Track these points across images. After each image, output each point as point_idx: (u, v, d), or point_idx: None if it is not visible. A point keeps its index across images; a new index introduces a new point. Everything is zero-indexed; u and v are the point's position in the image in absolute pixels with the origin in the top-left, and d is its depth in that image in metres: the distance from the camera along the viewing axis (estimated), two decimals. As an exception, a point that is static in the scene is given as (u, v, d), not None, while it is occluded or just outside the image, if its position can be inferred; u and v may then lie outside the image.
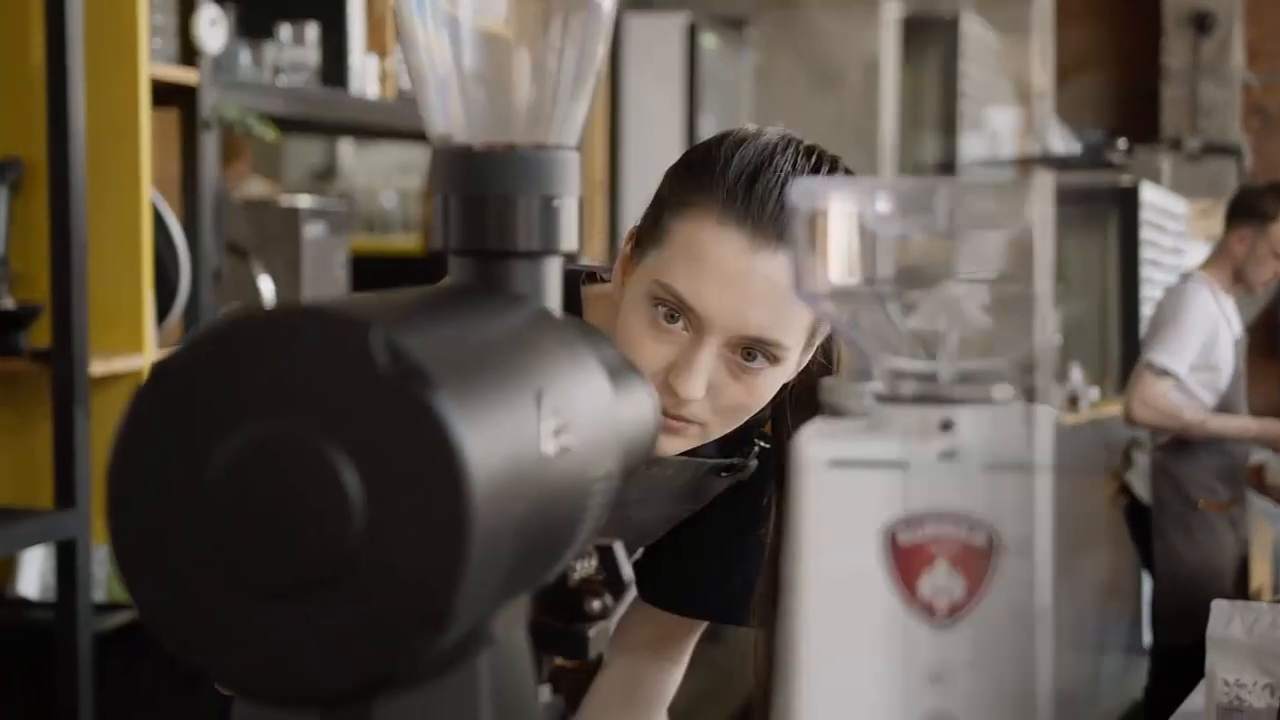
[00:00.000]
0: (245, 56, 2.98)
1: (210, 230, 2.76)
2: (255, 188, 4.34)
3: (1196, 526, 4.36)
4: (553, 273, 0.79)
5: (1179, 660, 4.26)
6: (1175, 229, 7.54)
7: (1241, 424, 4.44)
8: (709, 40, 5.42)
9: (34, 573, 3.03)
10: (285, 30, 3.09)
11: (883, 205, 0.70)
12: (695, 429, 1.29)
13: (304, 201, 3.19)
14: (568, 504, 0.71)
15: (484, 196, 0.77)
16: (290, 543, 0.61)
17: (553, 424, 0.69)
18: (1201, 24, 9.22)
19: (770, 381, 1.29)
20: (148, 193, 2.54)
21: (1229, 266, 4.39)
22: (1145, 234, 7.11)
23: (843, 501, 0.68)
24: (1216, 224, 8.44)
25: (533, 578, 0.72)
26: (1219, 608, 1.98)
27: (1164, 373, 4.28)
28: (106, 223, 2.50)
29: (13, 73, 2.49)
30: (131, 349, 2.54)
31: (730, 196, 1.26)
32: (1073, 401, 5.43)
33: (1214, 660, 1.93)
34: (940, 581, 0.67)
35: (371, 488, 0.60)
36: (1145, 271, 7.19)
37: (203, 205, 2.73)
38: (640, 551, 1.50)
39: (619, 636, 1.45)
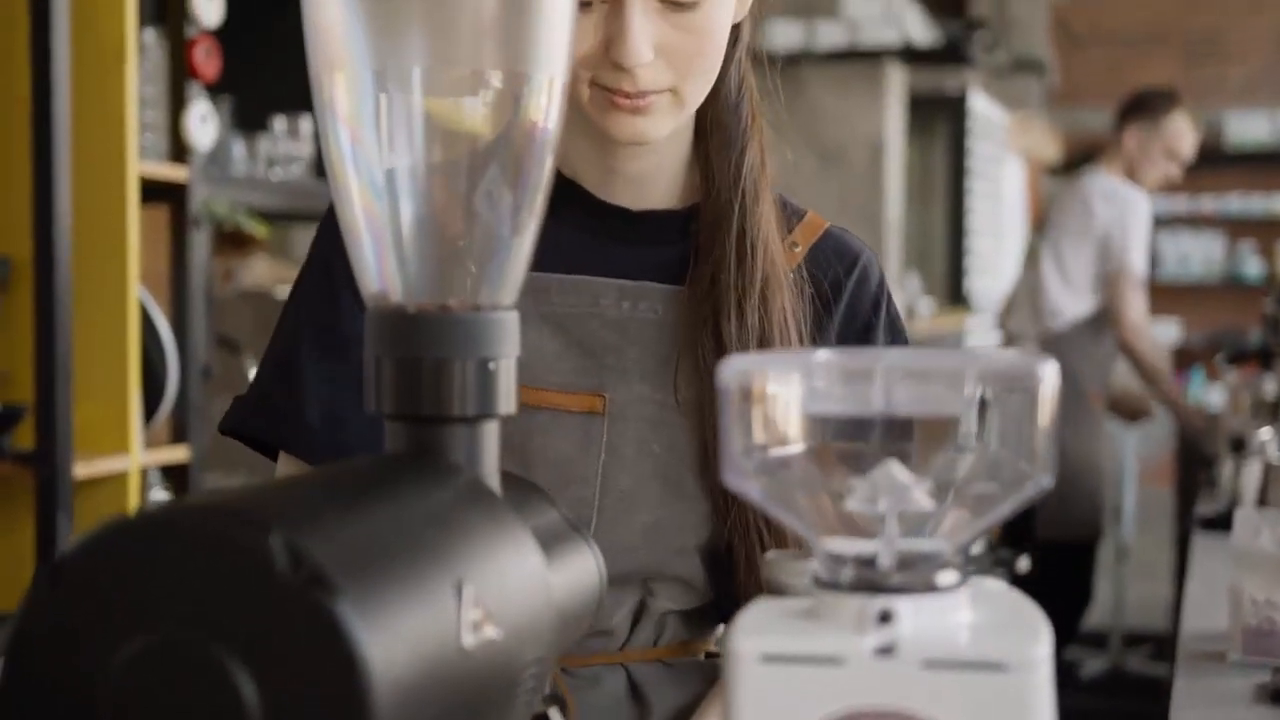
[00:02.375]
0: (239, 149, 2.97)
1: (200, 327, 2.74)
2: (261, 269, 4.33)
3: (1083, 421, 4.34)
4: (490, 437, 0.76)
5: (1054, 557, 4.28)
6: (998, 139, 7.60)
7: (1184, 404, 4.67)
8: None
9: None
10: (279, 122, 3.09)
11: (819, 382, 0.68)
12: (665, 99, 1.18)
13: (299, 292, 3.16)
14: (493, 696, 0.68)
15: (418, 360, 0.75)
16: (186, 755, 0.58)
17: (475, 615, 0.66)
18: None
19: (716, 14, 1.18)
20: (135, 292, 2.52)
21: (1122, 166, 4.44)
22: (970, 143, 7.15)
23: (777, 699, 0.65)
24: (1034, 138, 8.53)
25: (455, 774, 0.69)
26: (1244, 517, 1.80)
27: (1143, 280, 4.35)
28: (93, 322, 2.49)
29: None
30: (118, 450, 2.51)
31: None
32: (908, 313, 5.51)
33: (1240, 577, 1.74)
34: (878, 785, 0.64)
35: (269, 699, 0.57)
36: (968, 182, 7.23)
37: (192, 302, 2.71)
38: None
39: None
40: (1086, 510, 4.35)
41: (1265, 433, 3.00)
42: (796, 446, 0.69)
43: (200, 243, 2.72)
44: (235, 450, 1.34)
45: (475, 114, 0.76)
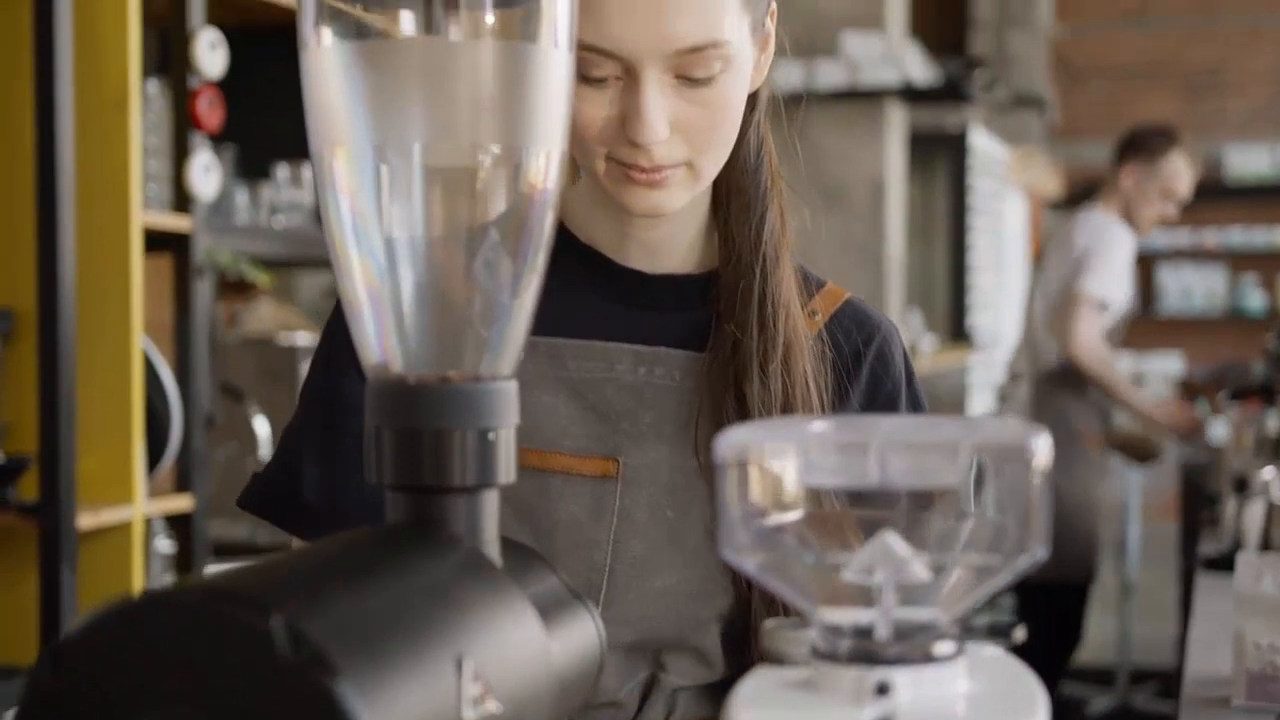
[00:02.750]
0: (243, 197, 2.99)
1: (203, 376, 2.74)
2: (265, 312, 4.35)
3: (1076, 461, 4.28)
4: (490, 506, 0.77)
5: (1045, 597, 4.22)
6: (999, 175, 7.63)
7: (1151, 403, 4.48)
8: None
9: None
10: (282, 170, 3.10)
11: (814, 454, 0.68)
12: (681, 172, 1.17)
13: (302, 339, 3.19)
14: (493, 768, 0.68)
15: (419, 431, 0.75)
16: (188, 836, 0.59)
17: (475, 690, 0.67)
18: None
19: (732, 88, 1.17)
20: (139, 342, 2.53)
21: (1119, 204, 4.40)
22: (971, 179, 7.17)
23: (775, 771, 0.66)
24: (1035, 173, 8.55)
25: None
26: (1246, 561, 1.80)
27: (1101, 306, 4.26)
28: (97, 373, 2.50)
29: (2, 221, 2.50)
30: (122, 500, 2.52)
31: None
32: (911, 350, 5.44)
33: (1242, 621, 1.75)
34: None
35: (271, 781, 0.58)
36: (969, 218, 7.26)
37: (195, 351, 2.72)
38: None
39: None
40: (1081, 552, 4.31)
41: (1268, 472, 2.99)
42: (793, 518, 0.70)
43: (203, 292, 2.73)
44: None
45: (474, 187, 0.77)
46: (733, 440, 0.68)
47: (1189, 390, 9.75)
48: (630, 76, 1.13)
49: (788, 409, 1.21)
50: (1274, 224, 10.04)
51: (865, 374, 1.30)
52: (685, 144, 1.16)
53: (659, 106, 1.13)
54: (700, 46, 1.13)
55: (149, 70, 2.80)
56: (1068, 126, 10.21)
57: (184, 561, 2.78)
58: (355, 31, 0.77)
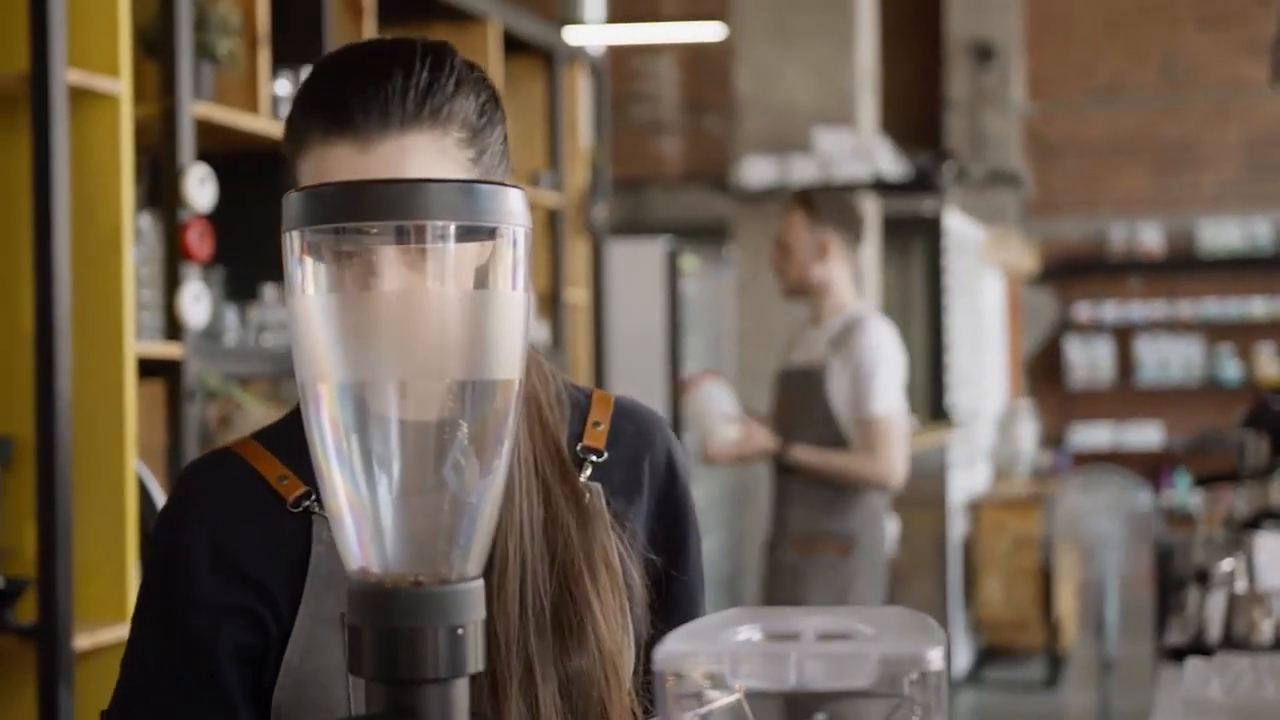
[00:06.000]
0: (233, 318, 3.09)
1: (195, 495, 2.83)
2: (257, 415, 4.42)
3: (774, 569, 4.04)
4: (460, 693, 0.87)
5: None
6: (976, 254, 7.78)
7: (733, 440, 4.07)
8: (689, 262, 5.58)
9: None
10: (270, 290, 3.21)
11: (742, 664, 0.78)
12: None
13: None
14: None
15: (395, 629, 0.85)
16: None
17: None
18: (982, 54, 9.57)
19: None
20: (133, 466, 2.62)
21: None
22: (947, 261, 7.31)
23: None
24: (1008, 251, 8.67)
25: None
26: (1194, 667, 1.89)
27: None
28: (93, 497, 2.58)
29: (2, 353, 2.60)
30: (118, 619, 2.60)
31: (331, 105, 1.21)
32: None
33: None
34: None
35: None
36: (946, 298, 7.39)
37: (187, 472, 2.81)
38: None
39: None
40: None
41: (1228, 563, 3.06)
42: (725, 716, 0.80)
43: (194, 415, 2.83)
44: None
45: (443, 414, 0.87)
46: (669, 651, 0.79)
47: (1167, 461, 9.87)
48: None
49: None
50: (1247, 295, 10.20)
51: (656, 472, 1.37)
52: None
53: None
54: None
55: (141, 205, 2.91)
56: (1043, 202, 10.37)
57: (178, 672, 2.84)
58: (335, 283, 0.88)
